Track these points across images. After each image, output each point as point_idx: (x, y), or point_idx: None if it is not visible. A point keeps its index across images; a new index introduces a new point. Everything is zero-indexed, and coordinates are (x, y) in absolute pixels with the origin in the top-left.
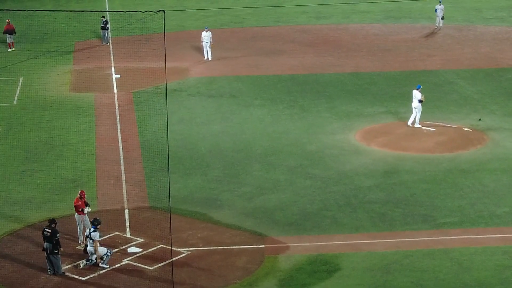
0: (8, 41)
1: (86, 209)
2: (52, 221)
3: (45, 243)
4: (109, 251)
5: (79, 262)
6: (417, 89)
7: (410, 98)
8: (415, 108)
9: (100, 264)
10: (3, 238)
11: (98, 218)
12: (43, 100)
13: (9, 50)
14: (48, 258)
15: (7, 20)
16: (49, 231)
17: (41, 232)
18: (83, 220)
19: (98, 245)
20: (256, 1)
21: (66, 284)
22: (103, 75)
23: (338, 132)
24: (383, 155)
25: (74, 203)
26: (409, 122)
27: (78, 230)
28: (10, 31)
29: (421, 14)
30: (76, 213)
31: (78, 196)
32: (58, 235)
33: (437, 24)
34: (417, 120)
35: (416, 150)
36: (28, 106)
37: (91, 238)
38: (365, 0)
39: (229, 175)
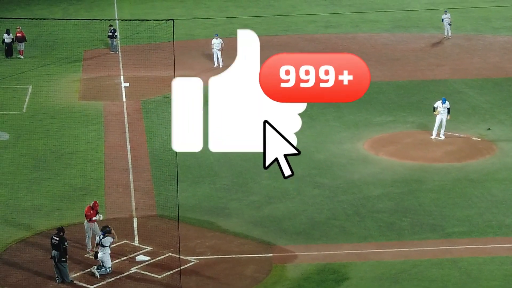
0: (18, 48)
1: (98, 217)
2: (61, 229)
3: (53, 251)
4: (109, 269)
5: (94, 270)
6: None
7: (418, 107)
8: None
9: (94, 269)
10: (11, 246)
11: (108, 226)
12: (52, 109)
13: (19, 57)
14: (56, 266)
15: (18, 28)
16: (57, 239)
17: (49, 240)
18: (92, 228)
19: (109, 252)
20: (265, 10)
21: None
22: (112, 84)
23: (346, 141)
24: (391, 164)
25: (86, 211)
26: (441, 134)
27: (87, 238)
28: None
29: (429, 24)
30: (86, 221)
31: (90, 205)
32: (66, 243)
33: (445, 34)
34: (433, 131)
35: (424, 160)
36: (37, 114)
37: (102, 245)
38: (374, 10)
39: (237, 184)
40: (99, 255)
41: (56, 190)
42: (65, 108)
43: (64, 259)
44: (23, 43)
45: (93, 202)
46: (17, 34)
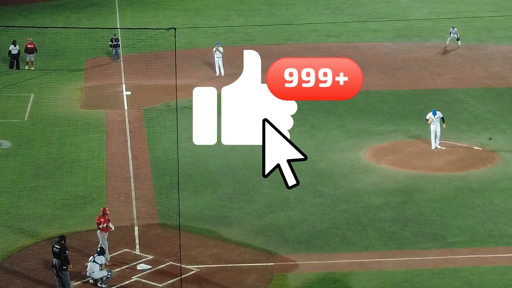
0: (27, 60)
1: (110, 225)
2: (62, 237)
3: (54, 259)
4: (109, 273)
5: (99, 285)
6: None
7: (420, 117)
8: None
9: (98, 284)
10: (13, 254)
11: (104, 248)
12: (54, 117)
13: (27, 68)
14: (57, 275)
15: (29, 39)
16: (58, 247)
17: (50, 248)
18: (103, 238)
19: (99, 268)
20: (267, 19)
21: None
22: (113, 92)
23: (348, 150)
24: (393, 173)
25: (97, 220)
26: (437, 144)
27: (105, 247)
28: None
29: (432, 33)
30: (98, 231)
31: (101, 213)
32: (67, 251)
33: (447, 43)
34: (431, 142)
35: (426, 169)
36: (39, 122)
37: (95, 262)
38: (376, 19)
39: (239, 193)
40: (89, 272)
41: (58, 198)
42: (66, 117)
43: (66, 267)
44: (33, 54)
45: (102, 209)
46: (28, 45)
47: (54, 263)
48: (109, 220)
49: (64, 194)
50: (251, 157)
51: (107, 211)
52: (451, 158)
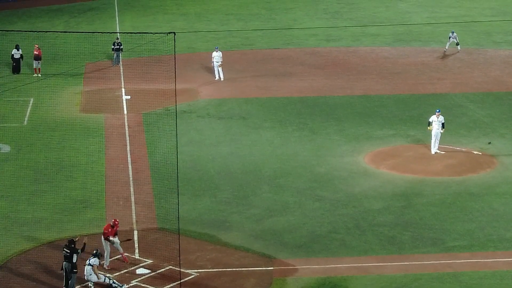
0: (34, 67)
1: (114, 239)
2: (71, 241)
3: (64, 262)
4: (107, 279)
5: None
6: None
7: (419, 121)
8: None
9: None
10: (12, 259)
11: (99, 251)
12: (53, 121)
13: (35, 75)
14: (66, 277)
15: (35, 46)
16: (69, 251)
17: (49, 253)
18: (110, 245)
19: (98, 271)
20: (266, 23)
21: None
22: (113, 96)
23: (347, 155)
24: (392, 178)
25: (104, 229)
26: (436, 149)
27: (105, 252)
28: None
29: (431, 38)
30: (103, 238)
31: (111, 223)
32: (76, 256)
33: (446, 47)
34: (431, 147)
35: (425, 173)
36: (38, 127)
37: (90, 264)
38: (375, 23)
39: (238, 197)
40: (86, 276)
41: (57, 203)
42: (66, 121)
43: (76, 270)
44: (39, 61)
45: (113, 220)
46: (34, 52)
47: (64, 266)
48: (116, 234)
49: (63, 199)
50: (250, 161)
51: (117, 224)
52: (450, 163)
